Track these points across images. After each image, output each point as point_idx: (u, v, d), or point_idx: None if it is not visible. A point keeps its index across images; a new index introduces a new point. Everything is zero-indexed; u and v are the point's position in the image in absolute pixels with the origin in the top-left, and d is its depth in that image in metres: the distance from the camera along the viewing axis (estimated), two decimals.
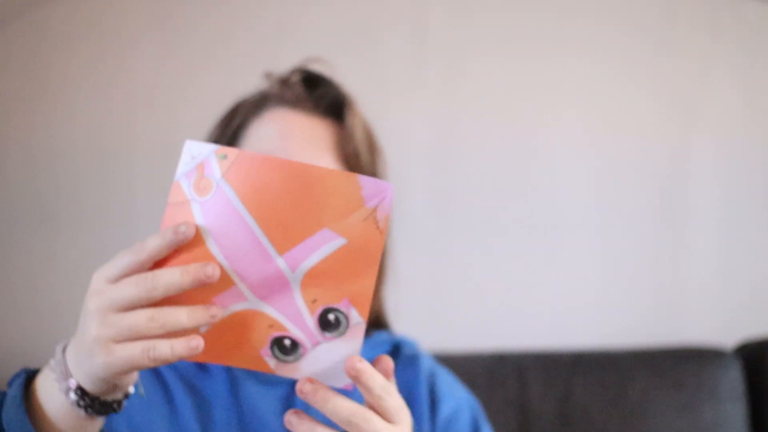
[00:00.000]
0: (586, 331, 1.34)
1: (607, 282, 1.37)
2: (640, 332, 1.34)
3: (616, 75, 1.37)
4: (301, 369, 0.55)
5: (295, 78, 0.86)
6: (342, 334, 0.54)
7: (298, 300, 0.53)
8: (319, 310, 0.54)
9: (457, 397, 0.87)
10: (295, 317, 0.54)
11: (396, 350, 0.89)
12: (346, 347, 0.54)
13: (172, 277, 0.51)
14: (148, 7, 1.27)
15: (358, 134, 0.84)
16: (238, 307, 0.53)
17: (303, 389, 0.54)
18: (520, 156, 1.35)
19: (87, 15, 1.26)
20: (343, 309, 0.54)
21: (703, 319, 1.37)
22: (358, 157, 0.83)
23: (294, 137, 0.81)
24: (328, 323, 0.54)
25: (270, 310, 0.54)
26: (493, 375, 1.17)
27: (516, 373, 1.17)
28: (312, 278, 0.52)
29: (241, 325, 0.54)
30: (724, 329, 1.35)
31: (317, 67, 0.87)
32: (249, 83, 0.88)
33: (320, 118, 0.84)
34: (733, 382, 1.17)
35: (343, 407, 0.53)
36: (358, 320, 0.54)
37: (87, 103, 1.25)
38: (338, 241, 0.51)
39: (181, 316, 0.51)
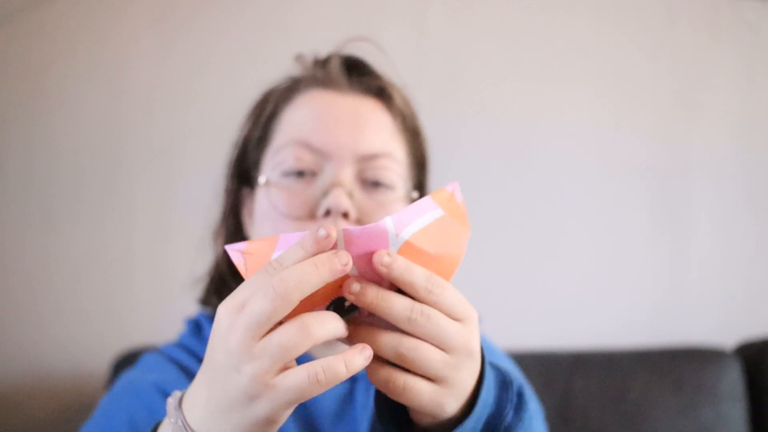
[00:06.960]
0: (586, 331, 1.34)
1: (608, 282, 1.36)
2: (640, 332, 1.34)
3: (617, 74, 1.37)
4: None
5: (334, 62, 0.76)
6: None
7: None
8: None
9: (505, 360, 0.85)
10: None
11: None
12: None
13: (303, 273, 0.43)
14: (147, 6, 1.27)
15: (409, 112, 0.77)
16: None
17: (382, 261, 0.47)
18: (520, 155, 1.35)
19: (87, 15, 1.26)
20: None
21: (703, 319, 1.37)
22: (417, 133, 0.78)
23: (331, 116, 0.72)
24: None
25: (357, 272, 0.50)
26: None
27: None
28: (408, 247, 0.49)
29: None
30: (724, 329, 1.35)
31: (359, 49, 0.78)
32: (248, 82, 0.87)
33: (361, 96, 0.75)
34: (733, 382, 1.17)
35: (399, 303, 0.47)
36: None
37: (86, 102, 1.25)
38: (437, 212, 0.51)
39: (329, 321, 0.45)
